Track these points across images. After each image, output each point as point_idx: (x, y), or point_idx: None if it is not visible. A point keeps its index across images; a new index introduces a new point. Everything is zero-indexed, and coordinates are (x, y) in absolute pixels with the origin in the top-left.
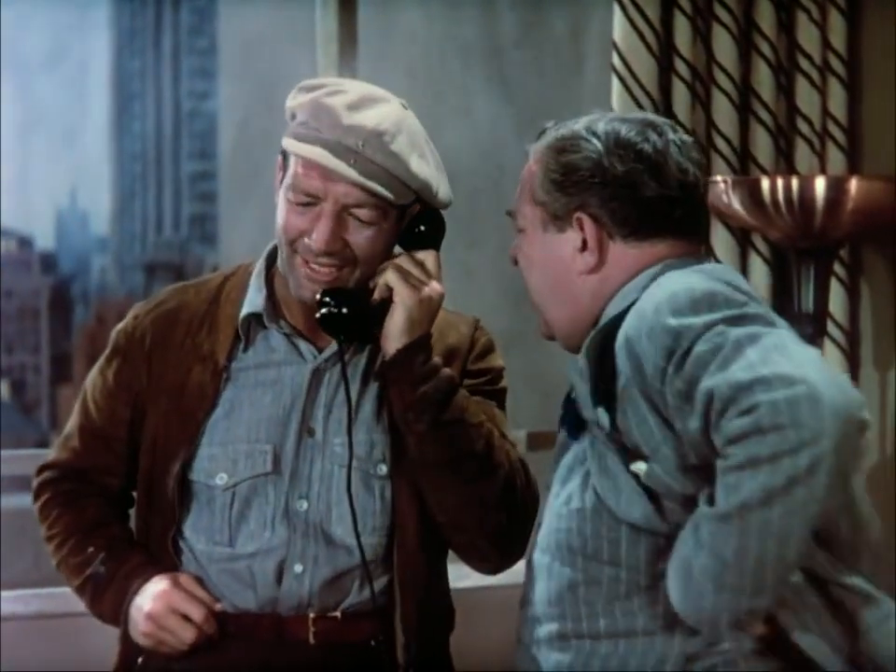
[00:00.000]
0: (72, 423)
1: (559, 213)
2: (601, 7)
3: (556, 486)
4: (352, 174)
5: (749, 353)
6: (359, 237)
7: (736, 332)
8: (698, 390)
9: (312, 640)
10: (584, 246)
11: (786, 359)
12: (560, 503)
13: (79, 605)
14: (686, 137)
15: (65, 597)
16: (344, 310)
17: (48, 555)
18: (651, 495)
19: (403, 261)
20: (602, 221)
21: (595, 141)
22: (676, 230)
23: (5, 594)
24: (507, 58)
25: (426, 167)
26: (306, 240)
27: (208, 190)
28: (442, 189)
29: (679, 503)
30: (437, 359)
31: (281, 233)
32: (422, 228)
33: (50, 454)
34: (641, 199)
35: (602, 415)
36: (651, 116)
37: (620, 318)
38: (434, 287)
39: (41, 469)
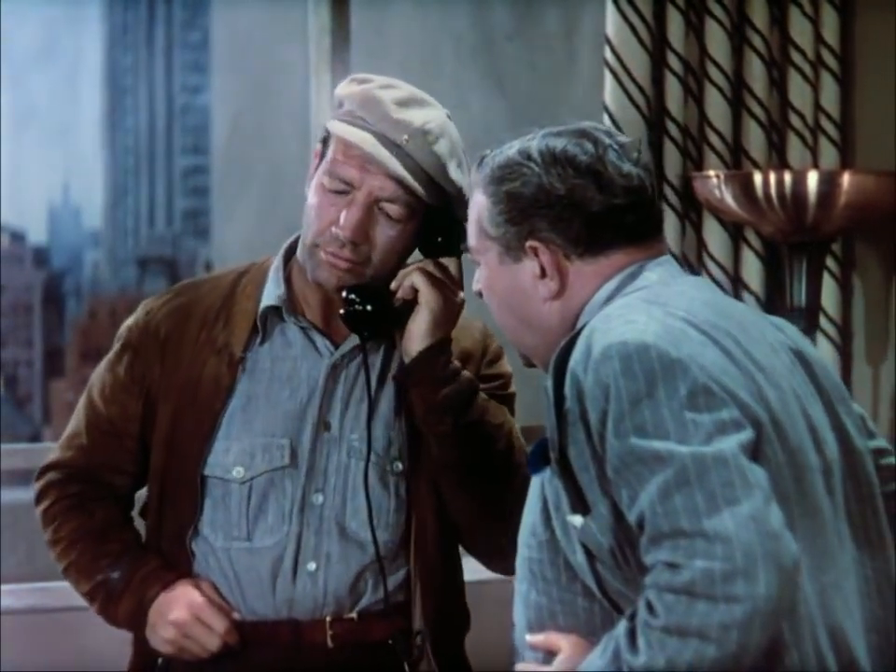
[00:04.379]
0: (77, 421)
1: (511, 244)
2: (594, 2)
3: (524, 510)
4: (393, 164)
5: (694, 486)
6: (383, 235)
7: (681, 453)
8: (634, 505)
9: (330, 644)
10: (543, 273)
11: (727, 509)
12: (527, 532)
13: (72, 600)
14: (623, 139)
15: (59, 592)
16: (369, 307)
17: (41, 550)
18: (587, 550)
19: (428, 265)
20: (555, 244)
21: (531, 164)
22: (630, 237)
23: None
24: (500, 52)
25: (462, 176)
26: (333, 229)
27: (201, 185)
28: None
29: (609, 562)
30: (456, 362)
31: (311, 219)
32: (442, 237)
33: (51, 454)
34: (589, 214)
35: (554, 449)
36: (584, 125)
37: (575, 338)
38: (457, 292)
39: (43, 471)
